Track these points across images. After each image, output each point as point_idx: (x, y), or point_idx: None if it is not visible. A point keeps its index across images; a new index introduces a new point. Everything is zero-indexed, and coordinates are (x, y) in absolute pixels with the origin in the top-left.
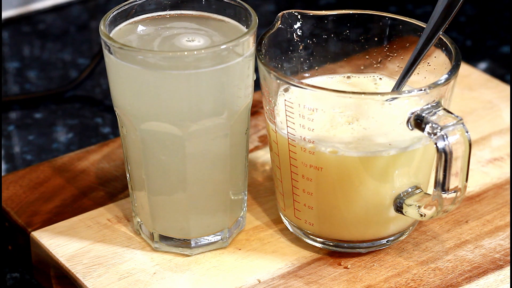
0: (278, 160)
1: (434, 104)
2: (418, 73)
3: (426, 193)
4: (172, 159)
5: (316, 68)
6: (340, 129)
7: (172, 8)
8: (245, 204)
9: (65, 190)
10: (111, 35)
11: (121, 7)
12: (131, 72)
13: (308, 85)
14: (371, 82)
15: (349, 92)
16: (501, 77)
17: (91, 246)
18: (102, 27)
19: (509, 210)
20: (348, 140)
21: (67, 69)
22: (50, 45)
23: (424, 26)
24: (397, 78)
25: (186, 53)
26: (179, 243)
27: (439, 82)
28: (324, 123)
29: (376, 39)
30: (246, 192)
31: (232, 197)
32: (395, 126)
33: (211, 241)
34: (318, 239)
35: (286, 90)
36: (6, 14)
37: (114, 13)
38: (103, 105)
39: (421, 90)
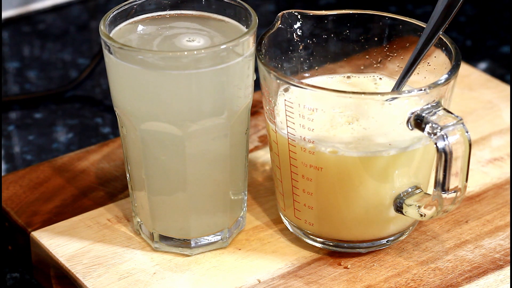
0: (278, 160)
1: (434, 104)
2: (418, 73)
3: (426, 193)
4: (172, 159)
5: (316, 68)
6: (340, 129)
7: (172, 8)
8: (245, 204)
9: (65, 190)
10: (111, 35)
11: (121, 7)
12: (131, 72)
13: (308, 85)
14: (371, 82)
15: (349, 92)
16: (501, 77)
17: (91, 246)
18: (102, 27)
19: (509, 210)
20: (348, 140)
21: (67, 69)
22: (50, 45)
23: (424, 26)
24: (397, 78)
25: (186, 53)
26: (179, 243)
27: (439, 82)
28: (324, 123)
29: (376, 39)
30: (246, 192)
31: (232, 197)
32: (395, 126)
33: (211, 241)
34: (318, 239)
35: (286, 90)
36: (6, 14)
37: (114, 13)
38: (103, 105)
39: (421, 90)
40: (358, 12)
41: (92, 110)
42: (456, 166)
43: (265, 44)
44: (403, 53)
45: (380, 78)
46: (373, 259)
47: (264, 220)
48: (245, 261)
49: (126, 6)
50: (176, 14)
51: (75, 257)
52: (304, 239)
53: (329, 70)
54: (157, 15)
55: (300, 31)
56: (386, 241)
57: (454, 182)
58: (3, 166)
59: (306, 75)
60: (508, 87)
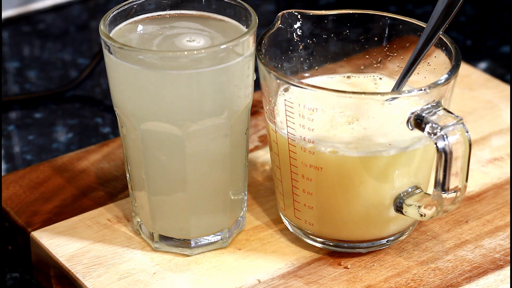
0: (278, 160)
1: (434, 104)
2: (418, 73)
3: (426, 193)
4: (172, 159)
5: (316, 68)
6: (340, 129)
7: (172, 8)
8: (245, 204)
9: (65, 190)
10: (111, 35)
11: (121, 7)
12: (131, 72)
13: (308, 85)
14: (371, 82)
15: (349, 92)
16: (501, 77)
17: (91, 246)
18: (102, 27)
19: (509, 210)
20: (348, 140)
21: (67, 69)
22: (50, 45)
23: (424, 26)
24: (397, 78)
25: (186, 53)
26: (179, 243)
27: (439, 82)
28: (324, 123)
29: (376, 39)
30: (246, 192)
31: (232, 197)
32: (395, 126)
33: (211, 241)
34: (318, 239)
35: (286, 90)
36: (6, 14)
37: (114, 13)
38: (103, 105)
39: (421, 90)
40: (358, 12)
41: (92, 110)
42: (456, 166)
43: (265, 44)
44: (403, 53)
45: (380, 78)
46: (373, 259)
47: (264, 220)
48: (245, 261)
49: (126, 6)
50: (176, 14)
51: (75, 257)
52: (304, 239)
53: (329, 70)
54: (157, 15)
55: (300, 31)
56: (386, 241)
57: (454, 182)
58: (3, 166)
59: (306, 75)
60: (508, 87)
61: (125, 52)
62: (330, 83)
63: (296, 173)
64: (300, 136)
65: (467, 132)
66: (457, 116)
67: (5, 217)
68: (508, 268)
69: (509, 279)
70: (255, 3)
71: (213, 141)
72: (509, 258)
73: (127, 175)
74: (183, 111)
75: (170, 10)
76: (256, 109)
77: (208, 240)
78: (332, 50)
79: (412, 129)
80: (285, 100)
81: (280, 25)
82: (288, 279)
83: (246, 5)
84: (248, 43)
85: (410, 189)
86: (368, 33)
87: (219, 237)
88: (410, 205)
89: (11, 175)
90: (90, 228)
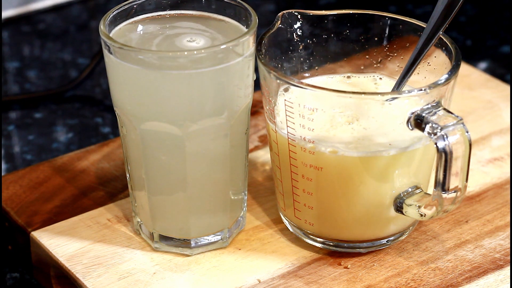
0: (278, 160)
1: (434, 104)
2: (418, 73)
3: (426, 193)
4: (172, 159)
5: (316, 68)
6: (340, 129)
7: (172, 8)
8: (245, 204)
9: (65, 190)
10: (111, 35)
11: (121, 7)
12: (131, 72)
13: (308, 85)
14: (371, 82)
15: (349, 92)
16: (501, 77)
17: (91, 246)
18: (102, 27)
19: (509, 210)
20: (348, 140)
21: (67, 69)
22: (50, 45)
23: (424, 26)
24: (397, 78)
25: (186, 53)
26: (179, 243)
27: (439, 82)
28: (324, 123)
29: (376, 39)
30: (246, 192)
31: (232, 197)
32: (395, 126)
33: (211, 241)
34: (318, 239)
35: (286, 90)
36: (6, 14)
37: (114, 13)
38: (103, 105)
39: (421, 90)
40: (358, 12)
41: (92, 110)
42: (456, 166)
43: (265, 44)
44: (403, 53)
45: (380, 78)
46: (373, 259)
47: (264, 220)
48: (245, 261)
49: (126, 6)
50: (176, 14)
51: (75, 257)
52: (304, 239)
53: (329, 70)
54: (157, 15)
55: (300, 31)
56: (386, 241)
57: (454, 182)
58: (3, 166)
59: (306, 75)
60: (508, 87)
61: (125, 52)
62: (330, 83)
63: (296, 173)
64: (300, 136)
65: (467, 132)
66: (457, 116)
67: (5, 217)
68: (508, 268)
69: (509, 279)
70: (255, 3)
71: (213, 141)
72: (509, 258)
73: (127, 175)
74: (183, 111)
75: (170, 10)
76: (256, 109)
77: (208, 240)
78: (332, 50)
79: (412, 129)
80: (285, 100)
81: (280, 25)
82: (288, 279)
83: (246, 5)
84: (248, 43)
85: (410, 189)
86: (368, 33)
87: (219, 237)
88: (410, 205)
89: (11, 175)
90: (90, 228)
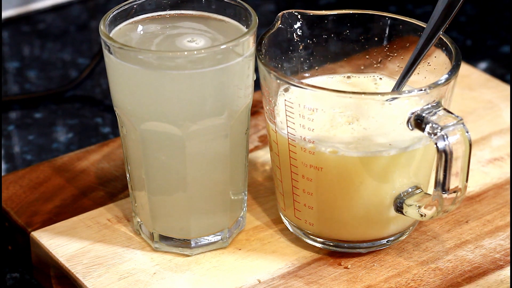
0: (278, 160)
1: (434, 104)
2: (418, 73)
3: (426, 193)
4: (172, 159)
5: (316, 68)
6: (340, 129)
7: (172, 8)
8: (245, 204)
9: (65, 190)
10: (111, 35)
11: (121, 7)
12: (131, 72)
13: (308, 85)
14: (371, 82)
15: (349, 92)
16: (501, 77)
17: (91, 246)
18: (102, 27)
19: (509, 210)
20: (348, 140)
21: (67, 69)
22: (50, 45)
23: (424, 26)
24: (397, 78)
25: (186, 53)
26: (179, 243)
27: (439, 82)
28: (324, 123)
29: (376, 39)
30: (246, 192)
31: (232, 197)
32: (395, 126)
33: (211, 241)
34: (318, 239)
35: (286, 90)
36: (6, 14)
37: (114, 13)
38: (103, 105)
39: (421, 90)
40: (358, 12)
41: (92, 110)
42: (456, 166)
43: (265, 44)
44: (403, 53)
45: (380, 78)
46: (373, 259)
47: (264, 220)
48: (245, 261)
49: (126, 6)
50: (176, 14)
51: (75, 257)
52: (304, 239)
53: (329, 70)
54: (157, 15)
55: (300, 31)
56: (386, 241)
57: (454, 182)
58: (3, 166)
59: (306, 75)
60: (508, 87)
61: (125, 52)
62: (330, 83)
63: (296, 173)
64: (300, 136)
65: (467, 132)
66: (457, 116)
67: (5, 217)
68: (508, 268)
69: (509, 279)
70: (255, 3)
71: (213, 141)
72: (509, 258)
73: (127, 175)
74: (183, 111)
75: (170, 10)
76: (256, 109)
77: (208, 240)
78: (332, 50)
79: (412, 129)
80: (285, 100)
81: (280, 25)
82: (288, 279)
83: (246, 5)
84: (248, 43)
85: (410, 189)
86: (368, 33)
87: (219, 237)
88: (410, 205)
89: (11, 175)
90: (90, 228)
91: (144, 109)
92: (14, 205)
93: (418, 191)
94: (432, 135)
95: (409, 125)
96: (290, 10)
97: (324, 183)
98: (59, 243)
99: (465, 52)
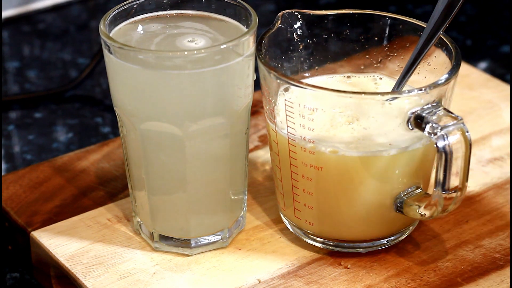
0: (278, 160)
1: (435, 104)
2: (418, 73)
3: (426, 193)
4: (172, 159)
5: (316, 67)
6: (340, 129)
7: (172, 7)
8: (245, 204)
9: (65, 190)
10: (111, 34)
11: (121, 7)
12: (131, 72)
13: (308, 85)
14: (371, 81)
15: (349, 92)
16: (501, 77)
17: (91, 246)
18: (102, 27)
19: (509, 210)
20: (348, 140)
21: (67, 69)
22: (50, 44)
23: (424, 26)
24: (397, 77)
25: (186, 53)
26: (179, 243)
27: (439, 82)
28: (324, 123)
29: (376, 38)
30: (246, 192)
31: (232, 197)
32: (395, 126)
33: (211, 241)
34: (318, 239)
35: (286, 89)
36: (6, 13)
37: (114, 13)
38: (103, 105)
39: (421, 90)
40: (358, 12)
41: (92, 110)
42: (456, 166)
43: (265, 43)
44: (403, 52)
45: (380, 78)
46: (373, 259)
47: (264, 220)
48: (245, 261)
49: (126, 6)
50: (176, 14)
51: (75, 257)
52: (304, 239)
53: (329, 70)
54: (157, 15)
55: (300, 31)
56: (386, 241)
57: (454, 182)
58: (3, 166)
59: (306, 74)
60: (508, 87)
61: (125, 52)
62: (330, 83)
63: (296, 173)
64: (300, 136)
65: (467, 132)
66: (457, 116)
67: (5, 217)
68: (508, 268)
69: (509, 279)
70: (255, 3)
71: (213, 141)
72: (509, 258)
73: (127, 175)
74: (183, 111)
75: (170, 10)
76: (256, 109)
77: (208, 240)
78: (332, 50)
79: (412, 129)
80: (285, 100)
81: (280, 25)
82: (288, 279)
83: (246, 5)
84: (248, 43)
85: (410, 189)
86: (368, 33)
87: (219, 237)
88: (410, 205)
89: (11, 175)
90: (90, 228)
91: (144, 109)
92: (14, 205)
93: (418, 190)
94: (432, 134)
95: (409, 125)
96: (290, 10)
97: (324, 183)
98: (59, 243)
99: (465, 52)
